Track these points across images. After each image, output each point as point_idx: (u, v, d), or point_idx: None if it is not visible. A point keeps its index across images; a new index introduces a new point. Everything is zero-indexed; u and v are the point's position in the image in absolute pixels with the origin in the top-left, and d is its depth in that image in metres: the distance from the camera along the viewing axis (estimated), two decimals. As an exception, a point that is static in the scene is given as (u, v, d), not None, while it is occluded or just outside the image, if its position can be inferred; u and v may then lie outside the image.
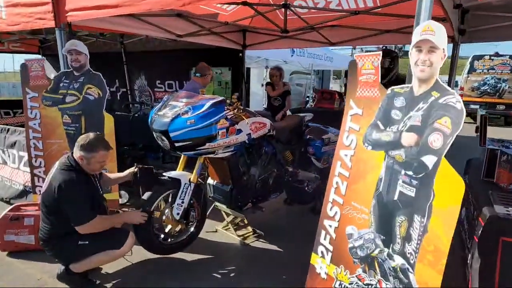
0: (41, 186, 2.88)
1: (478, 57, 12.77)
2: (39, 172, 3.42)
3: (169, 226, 2.88)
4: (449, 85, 3.56)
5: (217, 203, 3.50)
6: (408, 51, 1.80)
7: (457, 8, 3.18)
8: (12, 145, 4.06)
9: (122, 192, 4.02)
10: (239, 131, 2.84)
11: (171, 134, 2.57)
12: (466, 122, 1.94)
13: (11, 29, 3.55)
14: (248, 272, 2.81)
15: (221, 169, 3.13)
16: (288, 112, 5.27)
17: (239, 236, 3.38)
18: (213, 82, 6.33)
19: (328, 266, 2.17)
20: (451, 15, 2.98)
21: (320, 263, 2.22)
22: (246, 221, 3.52)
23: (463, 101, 1.58)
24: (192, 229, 3.05)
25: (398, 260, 1.77)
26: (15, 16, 3.43)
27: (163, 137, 2.64)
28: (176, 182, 2.81)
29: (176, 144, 2.62)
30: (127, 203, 4.02)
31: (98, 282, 2.57)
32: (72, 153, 2.48)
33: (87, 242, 2.40)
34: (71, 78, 3.33)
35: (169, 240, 2.93)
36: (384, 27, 4.45)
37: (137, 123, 5.22)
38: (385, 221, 1.85)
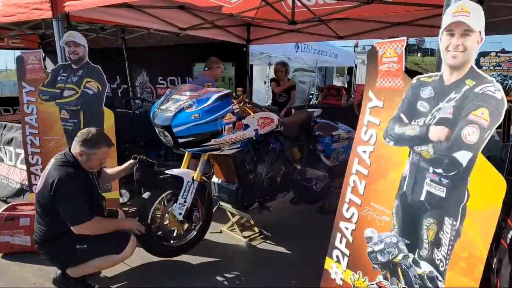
0: (38, 185, 2.72)
1: (484, 54, 12.53)
2: (36, 170, 3.26)
3: (172, 227, 2.72)
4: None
5: (222, 203, 3.34)
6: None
7: None
8: (9, 142, 3.91)
9: (123, 191, 3.87)
10: (246, 126, 2.68)
11: (174, 130, 2.41)
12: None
13: (6, 21, 3.39)
14: (255, 276, 2.66)
15: (227, 167, 2.96)
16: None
17: (245, 237, 3.22)
18: (216, 78, 6.17)
19: (344, 271, 2.00)
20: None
21: (335, 268, 2.06)
22: (252, 222, 3.36)
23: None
24: (196, 230, 2.89)
25: (426, 267, 1.60)
26: (10, 7, 3.27)
27: (166, 133, 2.48)
28: (178, 181, 2.65)
29: (180, 140, 2.46)
30: (128, 202, 3.86)
31: (96, 286, 2.41)
32: (70, 148, 2.33)
33: (85, 246, 2.24)
34: (69, 71, 3.17)
35: (172, 242, 2.77)
36: (394, 19, 4.28)
37: (138, 119, 5.07)
38: (409, 224, 1.68)
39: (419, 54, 30.70)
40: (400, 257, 1.72)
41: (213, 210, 3.10)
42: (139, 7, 3.85)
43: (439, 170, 1.56)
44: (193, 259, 2.85)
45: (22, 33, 6.77)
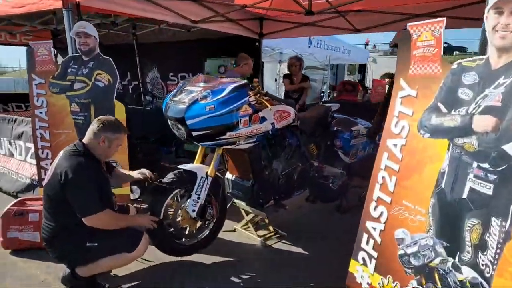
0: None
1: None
2: (46, 164, 3.18)
3: (184, 225, 2.59)
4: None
5: (235, 200, 3.21)
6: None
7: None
8: (19, 136, 3.85)
9: (134, 187, 3.76)
10: (263, 119, 2.53)
11: (188, 122, 2.28)
12: None
13: (16, 12, 3.32)
14: (271, 277, 2.52)
15: (242, 162, 2.83)
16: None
17: (259, 236, 3.09)
18: (228, 74, 6.04)
19: (372, 275, 1.85)
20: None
21: (361, 272, 1.91)
22: (267, 220, 3.22)
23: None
24: (209, 228, 2.76)
25: (468, 273, 1.44)
26: (20, -2, 3.20)
27: (179, 125, 2.36)
28: (191, 176, 2.53)
29: (193, 133, 2.33)
30: (139, 199, 3.76)
31: (107, 286, 2.30)
32: (81, 139, 2.24)
33: (96, 244, 2.12)
34: (80, 63, 3.08)
35: (184, 240, 2.65)
36: (412, 11, 4.08)
37: (149, 116, 4.99)
38: (449, 225, 1.52)
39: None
40: (437, 261, 1.56)
41: (227, 207, 2.97)
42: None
43: (485, 165, 1.39)
44: (207, 259, 2.72)
45: (34, 29, 6.75)
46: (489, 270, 1.37)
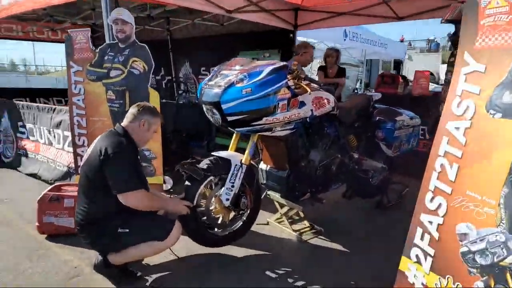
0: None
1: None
2: (82, 151, 3.20)
3: (218, 214, 2.49)
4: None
5: (269, 192, 3.07)
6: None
7: None
8: (58, 125, 3.93)
9: (166, 177, 3.73)
10: (302, 104, 2.38)
11: (224, 106, 2.18)
12: None
13: (54, 3, 3.36)
14: (309, 274, 2.36)
15: (277, 151, 2.69)
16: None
17: (294, 230, 2.93)
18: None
19: (427, 275, 1.65)
20: None
21: (414, 271, 1.71)
22: (302, 214, 3.06)
23: None
24: (242, 220, 2.65)
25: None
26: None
27: (214, 110, 2.26)
28: (225, 163, 2.42)
29: (229, 118, 2.22)
30: (171, 190, 3.72)
31: (139, 274, 2.25)
32: (120, 123, 2.22)
33: (128, 231, 2.07)
34: (116, 50, 3.07)
35: (217, 230, 2.55)
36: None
37: (182, 110, 4.98)
38: (526, 218, 1.30)
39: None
40: (510, 259, 1.34)
41: (261, 198, 2.84)
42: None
43: None
44: (239, 252, 2.61)
45: (75, 26, 6.97)
46: None
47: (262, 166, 2.90)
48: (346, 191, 3.77)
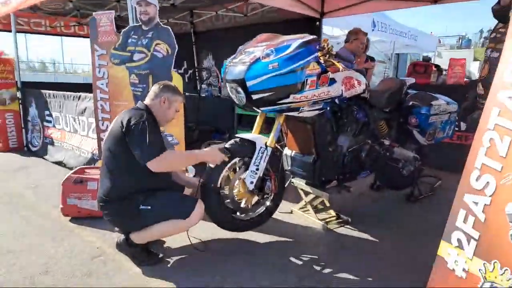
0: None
1: None
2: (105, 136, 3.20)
3: (241, 198, 2.40)
4: None
5: (294, 180, 2.96)
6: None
7: None
8: (82, 112, 3.97)
9: (189, 167, 3.70)
10: (332, 81, 2.25)
11: (249, 83, 2.08)
12: None
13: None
14: (336, 262, 2.23)
15: (303, 135, 2.58)
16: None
17: (320, 219, 2.80)
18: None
19: (470, 260, 1.50)
20: None
21: (455, 256, 1.56)
22: (327, 203, 2.93)
23: None
24: (266, 205, 2.55)
25: None
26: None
27: (239, 89, 2.17)
28: (250, 146, 2.33)
29: (254, 97, 2.13)
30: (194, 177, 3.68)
31: (160, 255, 2.20)
32: (142, 101, 2.20)
33: (149, 208, 2.03)
34: (140, 33, 3.04)
35: (240, 214, 2.46)
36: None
37: (204, 103, 4.96)
38: None
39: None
40: None
41: (286, 185, 2.73)
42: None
43: None
44: (262, 238, 2.51)
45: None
46: None
47: (287, 152, 2.79)
48: (374, 183, 3.64)
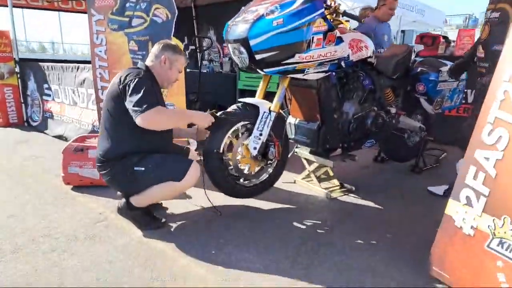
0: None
1: None
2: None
3: (244, 164, 2.36)
4: None
5: (297, 150, 2.92)
6: None
7: None
8: (81, 83, 3.89)
9: (191, 140, 3.65)
10: (339, 40, 2.17)
11: (252, 42, 2.00)
12: None
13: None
14: (340, 227, 2.21)
15: (308, 101, 2.52)
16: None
17: (323, 188, 2.78)
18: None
19: (479, 216, 1.47)
20: None
21: (463, 213, 1.53)
22: (331, 173, 2.90)
23: None
24: (268, 172, 2.50)
25: None
26: None
27: (241, 48, 2.09)
28: (253, 111, 2.27)
29: (257, 56, 2.05)
30: (195, 151, 3.63)
31: (163, 220, 2.18)
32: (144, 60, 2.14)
33: (143, 169, 1.97)
34: (138, -3, 2.93)
35: (244, 181, 2.42)
36: None
37: (205, 79, 4.88)
38: None
39: None
40: None
41: (289, 156, 2.68)
42: None
43: None
44: (265, 205, 2.49)
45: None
46: None
47: (291, 120, 2.74)
48: (378, 155, 3.59)
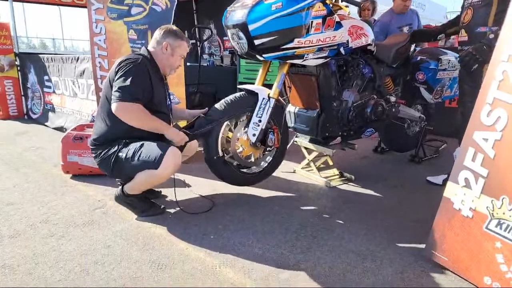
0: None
1: None
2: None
3: (243, 152, 2.35)
4: None
5: (297, 139, 2.92)
6: None
7: None
8: (81, 74, 3.89)
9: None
10: (339, 25, 2.16)
11: (251, 27, 1.99)
12: None
13: None
14: (339, 213, 2.21)
15: (307, 89, 2.51)
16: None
17: (323, 177, 2.77)
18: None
19: (477, 198, 1.46)
20: None
21: (462, 196, 1.52)
22: (331, 162, 2.89)
23: None
24: (267, 161, 2.50)
25: None
26: None
27: (240, 34, 2.08)
28: (252, 97, 2.26)
29: (256, 42, 2.04)
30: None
31: (162, 206, 2.18)
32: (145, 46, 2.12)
33: (124, 155, 1.94)
34: (137, -15, 2.92)
35: (243, 169, 2.42)
36: None
37: (205, 72, 4.86)
38: None
39: None
40: None
41: (289, 145, 2.67)
42: None
43: None
44: (264, 193, 2.49)
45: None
46: None
47: (290, 108, 2.73)
48: (378, 145, 3.58)
